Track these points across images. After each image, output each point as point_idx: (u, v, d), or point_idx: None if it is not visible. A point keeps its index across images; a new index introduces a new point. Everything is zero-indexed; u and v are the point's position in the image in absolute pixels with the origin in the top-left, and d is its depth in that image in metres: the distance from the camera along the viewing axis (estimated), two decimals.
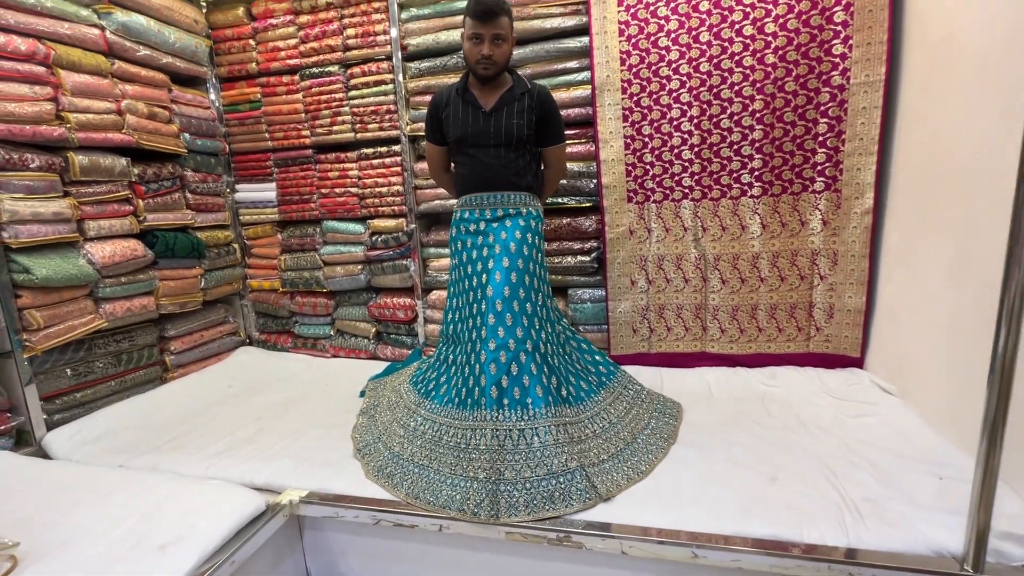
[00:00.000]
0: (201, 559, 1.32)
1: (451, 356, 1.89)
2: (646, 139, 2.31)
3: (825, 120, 2.11)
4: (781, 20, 2.08)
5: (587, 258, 2.49)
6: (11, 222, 1.91)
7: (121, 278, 2.30)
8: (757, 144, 2.19)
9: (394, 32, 2.57)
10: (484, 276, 1.76)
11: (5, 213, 1.88)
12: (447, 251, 2.68)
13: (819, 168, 2.15)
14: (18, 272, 1.93)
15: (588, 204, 2.48)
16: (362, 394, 2.33)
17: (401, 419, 1.85)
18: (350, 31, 2.65)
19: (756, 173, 2.22)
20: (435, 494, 1.51)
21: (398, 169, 2.72)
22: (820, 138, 2.13)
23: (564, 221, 2.50)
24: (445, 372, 1.87)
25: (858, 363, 2.25)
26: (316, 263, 2.90)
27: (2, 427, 1.89)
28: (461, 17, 2.44)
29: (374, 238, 2.78)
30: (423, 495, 1.52)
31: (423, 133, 2.58)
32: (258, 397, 2.42)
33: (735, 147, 2.22)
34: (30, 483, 1.65)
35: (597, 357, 2.02)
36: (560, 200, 2.50)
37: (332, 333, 2.98)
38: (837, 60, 2.06)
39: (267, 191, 2.94)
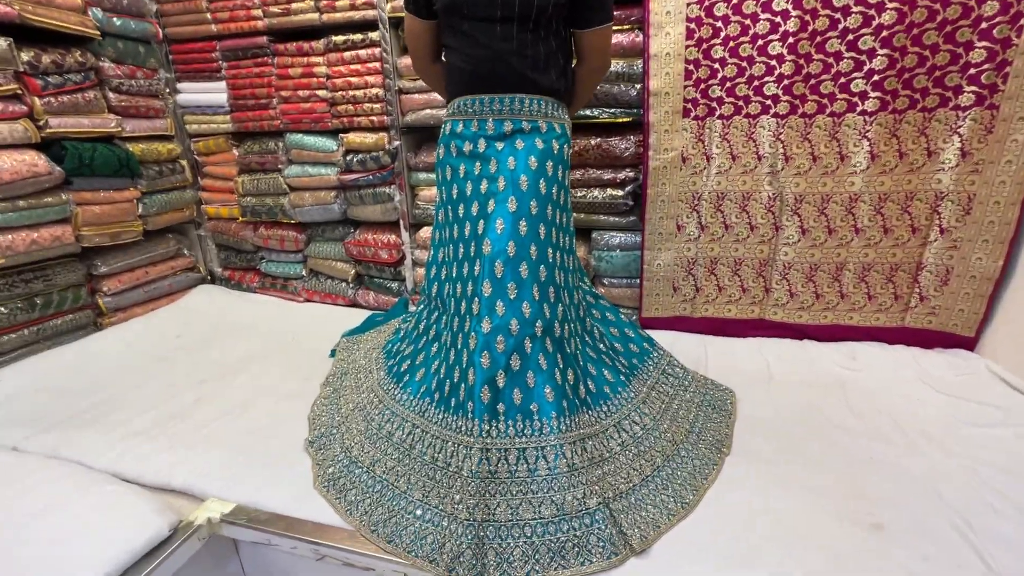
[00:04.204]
0: None
1: (434, 327, 1.39)
2: (719, 23, 1.62)
3: None
4: None
5: (620, 192, 1.90)
6: None
7: (18, 202, 1.79)
8: (886, 32, 1.50)
9: None
10: (481, 223, 1.21)
11: None
12: None
13: (973, 71, 1.48)
14: None
15: (627, 119, 1.84)
16: (333, 353, 1.89)
17: (364, 406, 1.40)
18: None
19: (876, 78, 1.54)
20: (398, 529, 1.08)
21: (377, 66, 2.07)
22: (985, 23, 1.43)
23: (592, 142, 1.89)
24: (424, 349, 1.38)
25: (968, 344, 1.72)
26: (280, 187, 2.34)
27: None
28: None
29: (349, 157, 2.20)
30: (382, 528, 1.09)
31: (403, 15, 1.93)
32: (208, 351, 2.00)
33: (850, 36, 1.53)
34: None
35: (627, 331, 1.51)
36: (588, 112, 1.86)
37: (304, 273, 2.49)
38: None
39: (216, 92, 2.33)
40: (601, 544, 1.02)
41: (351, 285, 2.41)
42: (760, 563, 1.01)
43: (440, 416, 1.20)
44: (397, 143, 2.13)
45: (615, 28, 1.75)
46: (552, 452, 1.11)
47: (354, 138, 2.17)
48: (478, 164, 1.26)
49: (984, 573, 0.97)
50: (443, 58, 1.38)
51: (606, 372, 1.34)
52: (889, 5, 1.47)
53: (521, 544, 1.02)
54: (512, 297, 1.14)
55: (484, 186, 1.23)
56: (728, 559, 1.02)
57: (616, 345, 1.45)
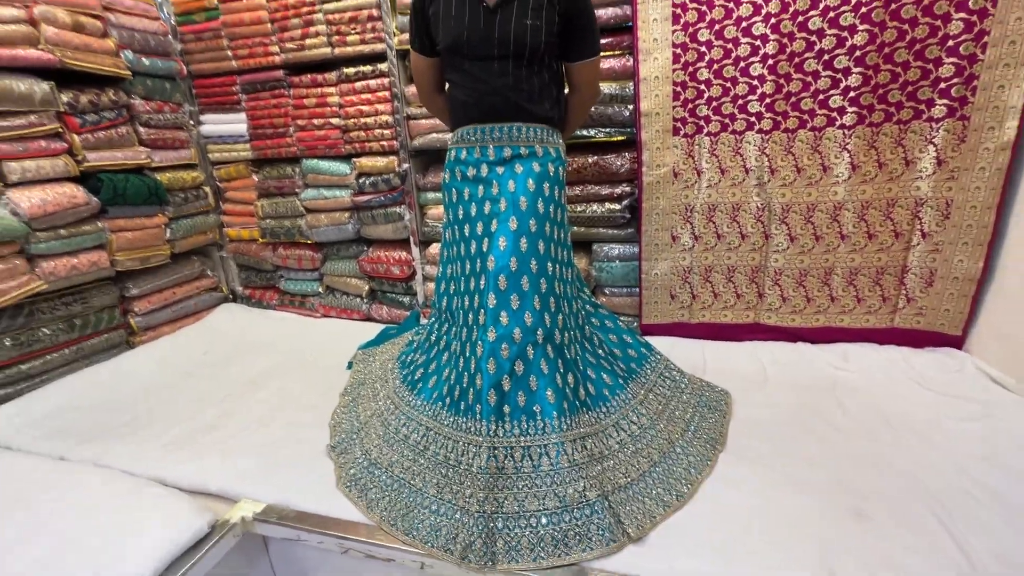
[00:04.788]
0: None
1: (444, 338, 1.50)
2: (703, 48, 1.74)
3: (962, 15, 1.50)
4: None
5: (617, 206, 2.01)
6: None
7: (60, 231, 1.94)
8: (859, 52, 1.60)
9: None
10: (485, 241, 1.33)
11: None
12: None
13: (943, 86, 1.58)
14: None
15: (621, 138, 1.96)
16: (350, 366, 2.00)
17: (382, 412, 1.51)
18: None
19: (852, 94, 1.65)
20: (415, 523, 1.18)
21: (386, 94, 2.21)
22: (951, 41, 1.53)
23: (590, 159, 2.00)
24: (436, 359, 1.49)
25: (956, 343, 1.79)
26: (297, 209, 2.48)
27: None
28: None
29: (361, 180, 2.33)
30: (400, 522, 1.19)
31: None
32: (233, 367, 2.12)
33: (826, 57, 1.64)
34: None
35: (626, 337, 1.60)
36: (585, 132, 1.98)
37: (321, 290, 2.62)
38: None
39: (237, 123, 2.49)
40: (600, 532, 1.11)
41: (365, 300, 2.53)
42: (751, 554, 1.09)
43: (451, 419, 1.31)
44: (406, 166, 2.26)
45: (609, 54, 1.89)
46: (554, 449, 1.21)
47: (366, 162, 2.31)
48: (481, 187, 1.37)
49: (958, 556, 1.05)
50: (447, 90, 1.51)
51: (605, 376, 1.44)
52: (861, 27, 1.58)
53: (528, 533, 1.12)
54: (515, 308, 1.25)
55: (487, 207, 1.34)
56: (720, 550, 1.10)
57: (615, 351, 1.55)
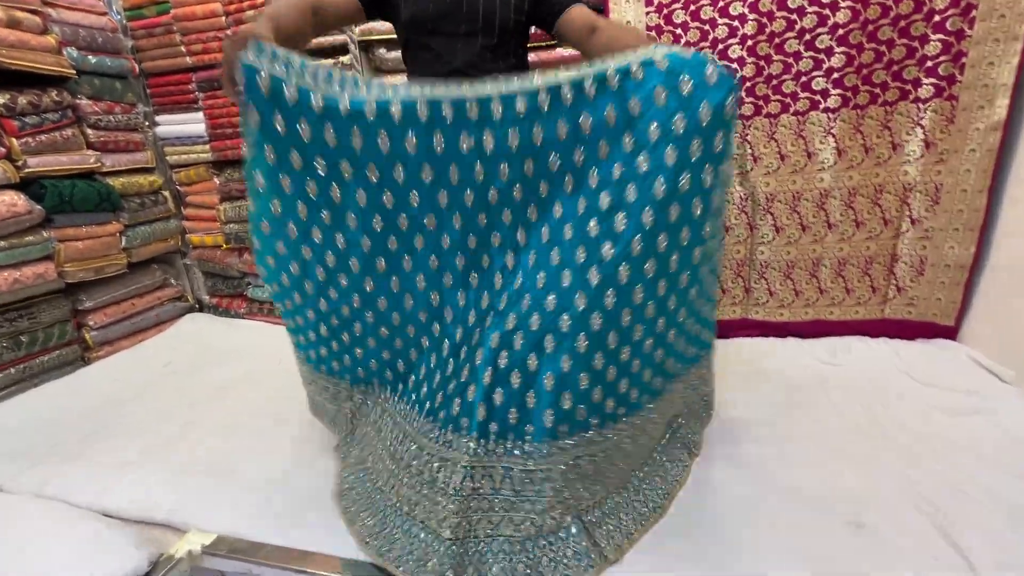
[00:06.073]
0: None
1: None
2: (678, 31, 1.65)
3: None
4: None
5: None
6: None
7: None
8: (841, 31, 1.52)
9: None
10: None
11: None
12: None
13: (930, 64, 1.50)
14: None
15: None
16: None
17: (375, 420, 1.40)
18: None
19: (836, 75, 1.56)
20: (389, 540, 1.09)
21: None
22: (937, 16, 1.45)
23: None
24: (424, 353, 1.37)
25: (950, 333, 1.72)
26: None
27: None
28: None
29: None
30: (374, 540, 1.10)
31: (375, 37, 1.98)
32: (196, 377, 2.01)
33: (808, 36, 1.55)
34: None
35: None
36: None
37: None
38: None
39: (195, 123, 2.36)
40: (578, 558, 1.02)
41: None
42: (733, 563, 1.01)
43: (431, 427, 1.15)
44: None
45: None
46: (540, 474, 1.05)
47: None
48: None
49: (958, 561, 0.97)
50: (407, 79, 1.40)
51: (632, 391, 1.13)
52: (843, 4, 1.50)
53: (499, 559, 1.03)
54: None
55: None
56: (701, 562, 1.02)
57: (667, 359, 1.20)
